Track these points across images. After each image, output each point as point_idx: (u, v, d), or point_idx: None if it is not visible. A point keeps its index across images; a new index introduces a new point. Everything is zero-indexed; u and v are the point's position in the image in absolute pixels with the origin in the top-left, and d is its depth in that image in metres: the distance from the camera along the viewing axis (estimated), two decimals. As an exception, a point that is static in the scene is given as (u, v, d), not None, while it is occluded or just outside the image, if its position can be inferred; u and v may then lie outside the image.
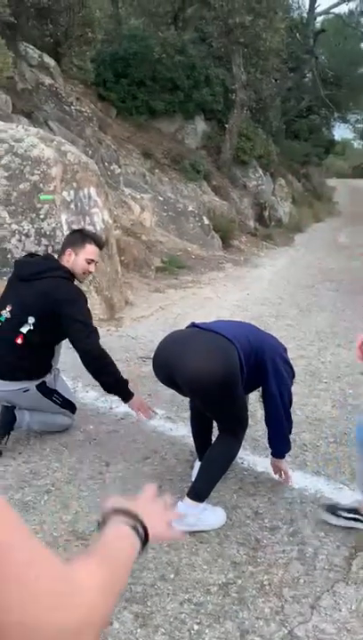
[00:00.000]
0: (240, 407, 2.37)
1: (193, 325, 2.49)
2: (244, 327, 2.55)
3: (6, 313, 2.76)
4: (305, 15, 18.30)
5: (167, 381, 2.41)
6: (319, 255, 11.01)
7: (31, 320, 2.70)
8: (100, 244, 2.94)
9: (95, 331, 2.74)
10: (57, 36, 9.19)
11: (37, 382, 2.81)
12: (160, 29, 11.79)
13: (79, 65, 9.86)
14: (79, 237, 2.90)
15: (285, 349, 2.56)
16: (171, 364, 2.30)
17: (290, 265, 9.87)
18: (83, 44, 9.50)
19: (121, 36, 13.15)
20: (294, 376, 2.55)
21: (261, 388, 2.50)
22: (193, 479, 2.56)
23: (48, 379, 2.87)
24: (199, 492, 2.24)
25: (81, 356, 2.70)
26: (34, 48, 9.75)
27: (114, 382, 2.73)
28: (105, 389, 2.77)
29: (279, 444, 2.59)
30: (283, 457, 2.63)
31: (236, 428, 2.36)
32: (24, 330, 2.70)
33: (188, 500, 2.21)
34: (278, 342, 2.56)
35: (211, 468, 2.30)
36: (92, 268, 2.89)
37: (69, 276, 2.83)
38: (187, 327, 2.53)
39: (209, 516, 2.27)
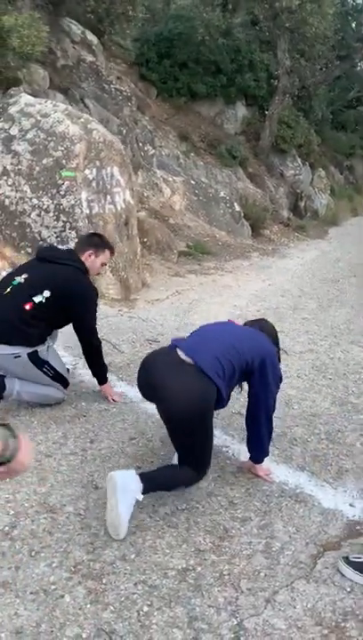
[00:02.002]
0: (206, 447, 2.31)
1: (176, 346, 2.36)
2: (227, 344, 2.37)
3: (21, 279, 2.91)
4: (360, 1, 17.70)
5: (148, 399, 2.45)
6: (351, 250, 10.75)
7: (46, 293, 2.84)
8: (113, 250, 3.26)
9: (94, 319, 3.06)
10: (98, 12, 9.13)
11: (29, 350, 2.85)
12: (206, 11, 11.54)
13: (119, 43, 9.79)
14: (101, 243, 3.16)
15: (276, 352, 2.52)
16: (151, 392, 2.34)
17: (319, 258, 9.67)
18: (124, 21, 9.41)
19: (167, 15, 13.00)
20: (280, 381, 2.51)
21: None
22: (174, 460, 2.56)
23: (40, 349, 2.90)
24: (150, 480, 2.19)
25: (82, 346, 3.06)
26: (77, 24, 9.72)
27: (100, 371, 3.18)
28: (91, 372, 3.20)
29: (256, 448, 2.56)
30: (260, 462, 2.60)
31: (197, 464, 2.30)
32: (36, 299, 2.83)
33: (138, 480, 2.14)
34: (269, 346, 2.49)
35: (167, 475, 2.32)
36: (103, 270, 3.30)
37: (85, 270, 3.06)
38: (170, 346, 2.41)
39: (125, 507, 2.12)
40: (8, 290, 2.88)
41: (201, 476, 2.35)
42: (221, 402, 2.31)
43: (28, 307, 2.81)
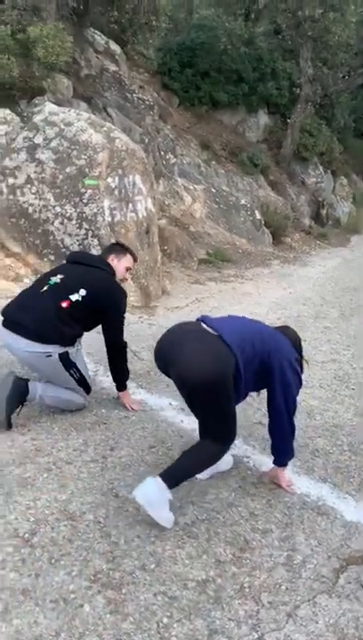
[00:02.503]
0: (225, 416, 2.29)
1: (202, 320, 2.43)
2: (253, 329, 2.44)
3: (57, 279, 2.99)
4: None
5: (163, 371, 2.42)
6: (374, 259, 10.66)
7: (82, 292, 2.92)
8: (135, 256, 3.36)
9: (123, 322, 3.13)
10: (122, 23, 9.24)
11: (61, 350, 2.87)
12: (228, 20, 11.60)
13: (143, 52, 9.88)
14: (120, 248, 3.29)
15: (296, 357, 2.47)
16: (167, 356, 2.32)
17: (341, 266, 9.60)
18: (147, 31, 9.51)
19: (190, 25, 13.09)
20: (300, 384, 2.47)
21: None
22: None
23: (71, 350, 2.92)
24: (173, 475, 2.19)
25: (109, 346, 3.09)
26: (101, 34, 9.85)
27: (121, 376, 3.21)
28: (112, 376, 3.21)
29: (281, 452, 2.53)
30: (284, 466, 2.57)
31: (217, 436, 2.29)
32: (73, 297, 2.90)
33: (159, 480, 2.15)
34: (290, 348, 2.46)
35: (187, 461, 2.28)
36: (128, 275, 3.35)
37: (113, 274, 3.17)
38: (197, 320, 2.48)
39: (165, 512, 2.17)
40: (45, 288, 2.95)
41: (227, 447, 2.34)
42: (239, 382, 2.26)
43: (64, 304, 2.87)
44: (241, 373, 2.25)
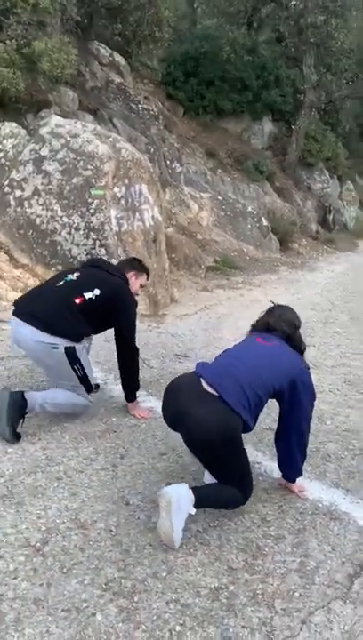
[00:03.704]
0: (240, 473, 2.29)
1: (200, 375, 2.30)
2: (256, 360, 2.34)
3: (73, 276, 3.06)
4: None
5: (171, 427, 2.39)
6: (382, 263, 10.63)
7: (97, 292, 2.97)
8: (149, 275, 3.50)
9: (135, 332, 3.16)
10: (126, 35, 9.34)
11: (68, 345, 2.88)
12: (231, 29, 11.69)
13: (147, 64, 9.98)
14: (141, 267, 3.39)
15: (307, 368, 2.44)
16: (175, 419, 2.30)
17: (349, 271, 9.57)
18: (151, 42, 9.60)
19: (193, 35, 13.21)
20: (314, 399, 2.44)
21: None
22: (205, 480, 2.53)
23: (78, 347, 2.93)
24: (200, 498, 2.17)
25: (119, 352, 3.12)
26: (105, 47, 9.96)
27: (131, 385, 3.22)
28: (122, 384, 3.24)
29: (287, 468, 2.52)
30: (292, 482, 2.55)
31: (238, 488, 2.28)
32: (87, 295, 2.95)
33: (191, 492, 2.15)
34: (298, 361, 2.42)
35: (216, 494, 2.28)
36: (140, 291, 3.47)
37: (128, 286, 3.24)
38: (194, 375, 2.33)
39: (180, 522, 2.12)
40: (61, 283, 3.01)
41: (246, 498, 2.32)
42: (248, 428, 2.26)
43: (78, 300, 2.92)
44: (249, 425, 2.23)
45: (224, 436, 2.17)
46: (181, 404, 2.24)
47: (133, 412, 3.26)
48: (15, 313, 2.94)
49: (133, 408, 3.27)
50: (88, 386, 3.07)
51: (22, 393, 2.86)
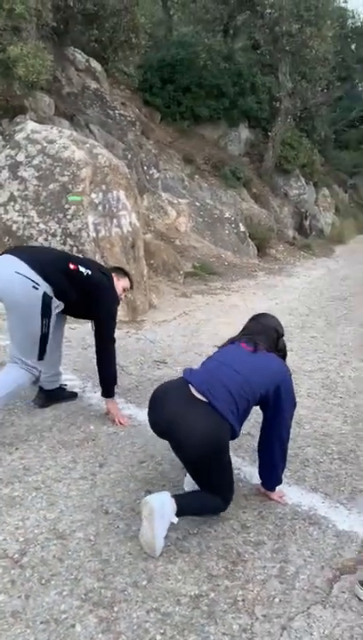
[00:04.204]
0: (223, 479, 2.30)
1: (189, 381, 2.30)
2: (242, 366, 2.33)
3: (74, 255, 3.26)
4: (360, 24, 17.97)
5: (159, 436, 2.37)
6: (358, 268, 10.76)
7: (89, 272, 3.08)
8: (133, 283, 3.56)
9: (114, 327, 3.19)
10: (102, 41, 9.34)
11: (47, 291, 2.85)
12: (207, 37, 11.78)
13: (123, 70, 10.00)
14: (121, 272, 3.48)
15: (290, 374, 2.45)
16: (163, 427, 2.28)
17: (326, 276, 9.68)
18: (127, 49, 9.62)
19: (170, 42, 13.27)
20: (294, 407, 2.45)
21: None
22: (185, 487, 2.53)
23: (54, 301, 2.90)
24: (182, 507, 2.15)
25: (97, 341, 3.13)
26: (81, 53, 9.94)
27: (108, 377, 3.18)
28: (99, 380, 3.20)
29: (268, 476, 2.53)
30: (272, 490, 2.57)
31: (218, 493, 2.29)
32: (81, 269, 3.06)
33: (173, 501, 2.14)
34: (282, 368, 2.42)
35: (196, 503, 2.28)
36: (123, 295, 3.46)
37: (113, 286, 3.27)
38: (181, 381, 2.33)
39: (163, 530, 2.12)
40: (59, 250, 3.19)
41: (227, 505, 2.33)
42: (235, 435, 2.27)
43: (72, 267, 3.02)
44: (236, 431, 2.24)
45: (214, 444, 2.18)
46: (169, 413, 2.23)
47: (112, 412, 3.23)
48: (7, 252, 2.92)
49: (110, 406, 3.24)
50: (43, 349, 2.94)
51: None
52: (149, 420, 2.34)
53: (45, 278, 2.85)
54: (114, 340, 3.15)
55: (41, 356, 2.95)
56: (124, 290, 3.40)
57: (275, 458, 2.45)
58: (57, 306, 2.95)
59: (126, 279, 3.42)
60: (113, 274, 3.31)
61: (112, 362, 3.17)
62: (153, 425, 2.33)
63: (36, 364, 2.94)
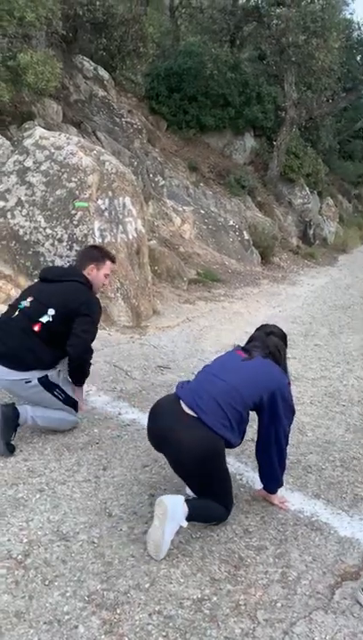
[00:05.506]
0: (223, 490, 2.34)
1: (180, 396, 2.33)
2: (235, 375, 2.35)
3: (26, 302, 2.96)
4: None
5: (157, 450, 2.43)
6: (361, 277, 10.78)
7: (51, 312, 2.88)
8: (114, 260, 3.30)
9: (94, 333, 3.00)
10: (110, 49, 9.43)
11: (40, 375, 2.87)
12: (214, 46, 11.87)
13: (130, 78, 10.08)
14: (100, 255, 3.22)
15: (288, 383, 2.46)
16: (157, 443, 2.36)
17: (329, 285, 9.70)
18: (135, 58, 9.71)
19: (177, 51, 13.38)
20: (293, 413, 2.47)
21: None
22: (187, 492, 2.54)
23: (51, 373, 2.92)
24: (191, 513, 2.17)
25: (70, 341, 2.88)
26: (90, 61, 10.04)
27: (81, 378, 3.08)
28: (71, 378, 3.07)
29: (269, 480, 2.54)
30: (273, 493, 2.58)
31: (220, 502, 2.32)
32: (43, 319, 2.87)
33: (185, 506, 2.15)
34: (279, 375, 2.43)
35: (205, 511, 2.30)
36: (107, 281, 3.30)
37: (89, 285, 3.10)
38: (175, 396, 2.37)
39: (170, 534, 2.15)
40: (16, 314, 2.93)
41: (229, 514, 2.36)
42: (232, 445, 2.29)
43: (36, 328, 2.85)
44: (232, 442, 2.26)
45: (205, 458, 2.20)
46: (161, 429, 2.30)
47: (78, 398, 3.12)
48: None
49: (77, 393, 3.12)
50: (74, 405, 3.07)
51: (13, 405, 2.85)
52: (148, 435, 2.41)
53: (29, 368, 2.83)
54: (85, 336, 2.91)
55: (76, 410, 3.08)
56: (106, 276, 3.22)
57: (272, 462, 2.46)
58: (58, 370, 2.97)
59: (106, 263, 3.18)
60: (90, 266, 3.11)
61: (83, 368, 3.02)
62: (149, 439, 2.41)
63: (75, 413, 3.09)
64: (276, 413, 2.36)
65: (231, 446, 2.29)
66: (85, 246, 3.57)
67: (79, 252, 3.43)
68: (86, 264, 3.15)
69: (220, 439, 2.21)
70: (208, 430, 2.19)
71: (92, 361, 3.06)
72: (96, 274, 3.15)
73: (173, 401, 2.33)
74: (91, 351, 3.00)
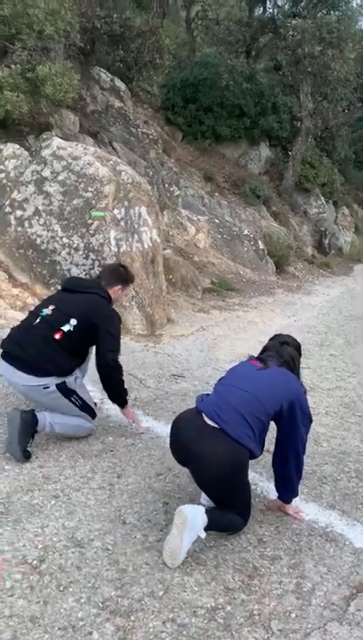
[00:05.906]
0: (243, 500, 2.35)
1: (201, 410, 2.33)
2: (254, 385, 2.36)
3: (48, 310, 3.00)
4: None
5: (181, 465, 2.43)
6: (377, 287, 10.73)
7: (73, 322, 2.93)
8: (132, 277, 3.45)
9: (119, 349, 3.07)
10: (127, 61, 9.55)
11: (58, 381, 2.90)
12: (230, 57, 11.98)
13: (147, 89, 10.19)
14: (128, 278, 3.35)
15: (305, 392, 2.47)
16: (181, 457, 2.36)
17: (344, 294, 9.66)
18: (151, 69, 9.82)
19: (193, 62, 13.52)
20: (310, 422, 2.47)
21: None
22: (202, 501, 2.54)
23: (68, 380, 2.95)
24: (210, 524, 2.18)
25: (99, 362, 2.96)
26: (106, 72, 10.17)
27: (116, 395, 3.11)
28: (110, 398, 3.14)
29: (284, 489, 2.53)
30: (288, 503, 2.57)
31: (239, 513, 2.34)
32: (65, 328, 2.91)
33: (204, 516, 2.16)
34: (296, 384, 2.44)
35: (223, 521, 2.31)
36: (123, 297, 3.52)
37: (109, 299, 3.18)
38: (196, 410, 2.37)
39: (188, 542, 2.15)
40: (37, 321, 2.97)
41: (245, 524, 2.36)
42: (254, 456, 2.29)
43: (57, 336, 2.88)
44: (255, 452, 2.26)
45: (229, 469, 2.21)
46: (184, 442, 2.30)
47: (129, 418, 3.22)
48: (3, 357, 2.92)
49: (126, 414, 3.21)
50: (91, 412, 3.10)
51: (33, 412, 2.89)
52: (170, 448, 2.42)
53: (47, 374, 2.85)
54: (112, 356, 2.98)
55: (93, 417, 3.12)
56: (123, 293, 3.42)
57: (290, 471, 2.46)
58: (74, 377, 3.00)
59: (130, 286, 3.41)
60: (117, 287, 3.23)
61: (118, 385, 3.06)
62: (173, 454, 2.41)
63: (91, 420, 3.12)
64: (294, 421, 2.37)
65: (254, 457, 2.29)
66: (114, 264, 3.67)
67: (107, 267, 3.57)
68: (114, 284, 3.23)
69: (244, 450, 2.21)
70: (232, 442, 2.19)
71: None
72: (120, 295, 3.32)
73: (195, 414, 2.35)
74: (120, 368, 3.04)
